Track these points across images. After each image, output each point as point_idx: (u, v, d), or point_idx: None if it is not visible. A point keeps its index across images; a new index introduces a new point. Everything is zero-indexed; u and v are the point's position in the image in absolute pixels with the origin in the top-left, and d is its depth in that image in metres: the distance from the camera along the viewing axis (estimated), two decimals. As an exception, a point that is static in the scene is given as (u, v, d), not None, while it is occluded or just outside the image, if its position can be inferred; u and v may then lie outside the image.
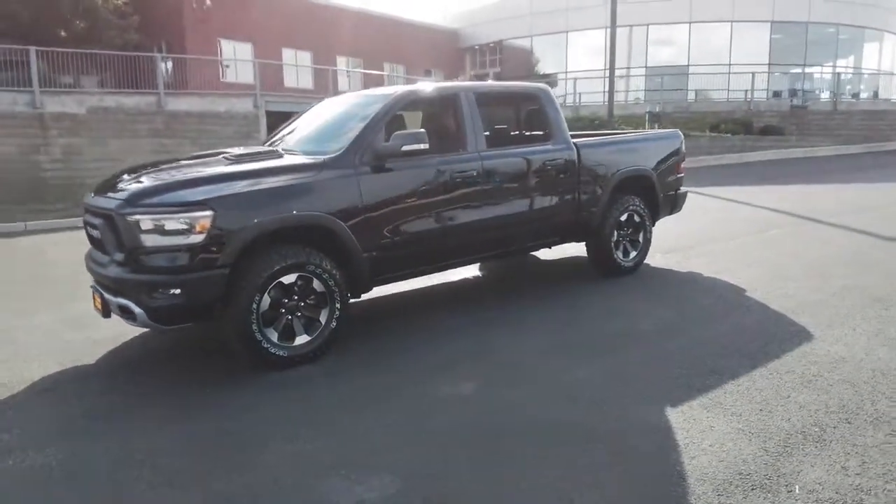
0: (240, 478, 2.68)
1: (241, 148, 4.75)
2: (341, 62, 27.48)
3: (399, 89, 4.74)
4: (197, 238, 3.48)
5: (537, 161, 5.17)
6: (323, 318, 3.94)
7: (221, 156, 4.35)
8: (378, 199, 4.17)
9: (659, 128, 16.39)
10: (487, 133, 5.19)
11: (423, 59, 31.43)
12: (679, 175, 6.39)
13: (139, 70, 16.10)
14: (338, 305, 3.96)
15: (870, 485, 2.46)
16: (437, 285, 5.83)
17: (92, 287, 4.02)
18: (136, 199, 3.58)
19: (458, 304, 5.25)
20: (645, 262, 6.18)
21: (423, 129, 4.40)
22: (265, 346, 3.70)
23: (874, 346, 3.90)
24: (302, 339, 3.88)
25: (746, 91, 23.47)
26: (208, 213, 3.49)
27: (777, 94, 25.98)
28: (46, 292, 6.08)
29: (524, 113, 5.89)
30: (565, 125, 5.48)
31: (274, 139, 5.16)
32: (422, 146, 4.20)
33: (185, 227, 3.47)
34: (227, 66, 23.14)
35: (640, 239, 5.99)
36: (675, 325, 4.47)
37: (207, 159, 4.41)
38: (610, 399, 3.30)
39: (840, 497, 2.38)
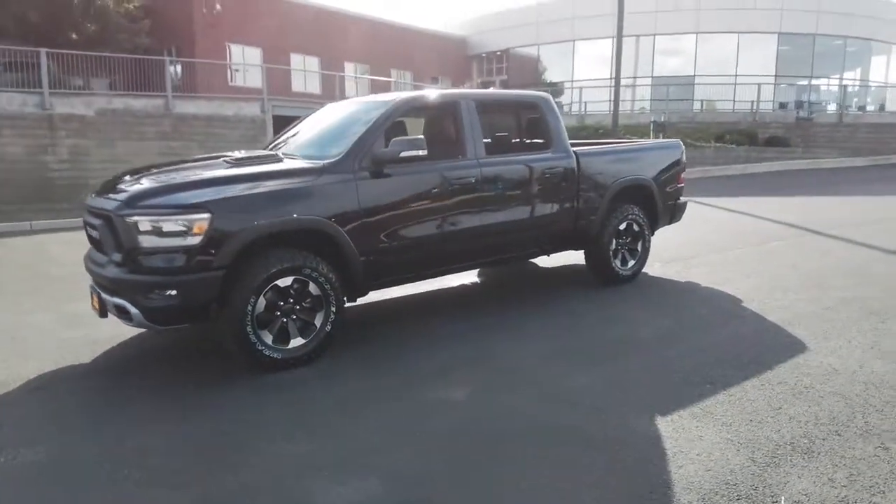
0: (233, 478, 2.70)
1: (242, 151, 4.79)
2: (349, 68, 27.64)
3: (399, 96, 4.78)
4: (194, 240, 3.52)
5: (537, 169, 5.19)
6: (318, 322, 3.97)
7: (221, 159, 4.40)
8: (376, 204, 4.20)
9: (663, 138, 16.41)
10: (488, 140, 5.22)
11: (430, 66, 31.58)
12: (679, 185, 6.39)
13: (148, 73, 16.25)
14: (333, 309, 3.98)
15: (856, 497, 2.46)
16: (436, 291, 5.85)
17: (90, 287, 4.06)
18: (134, 201, 3.62)
19: (458, 310, 5.26)
20: (645, 270, 6.19)
21: (421, 136, 4.44)
22: (259, 347, 3.72)
23: (868, 359, 3.89)
24: (297, 342, 3.90)
25: (752, 102, 23.47)
26: (206, 215, 3.53)
27: (783, 106, 25.94)
28: (47, 291, 6.14)
29: (525, 121, 5.91)
30: (565, 134, 5.50)
31: (276, 143, 5.21)
32: (420, 152, 4.23)
33: (182, 228, 3.51)
34: (237, 71, 23.33)
35: (639, 248, 6.00)
36: (673, 334, 4.48)
37: (207, 162, 4.46)
38: (608, 406, 3.30)
39: (825, 508, 2.38)
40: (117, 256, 3.66)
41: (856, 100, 28.56)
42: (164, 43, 22.29)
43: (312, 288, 3.91)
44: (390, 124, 4.50)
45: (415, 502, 2.50)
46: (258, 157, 4.44)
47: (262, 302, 3.73)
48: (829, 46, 29.14)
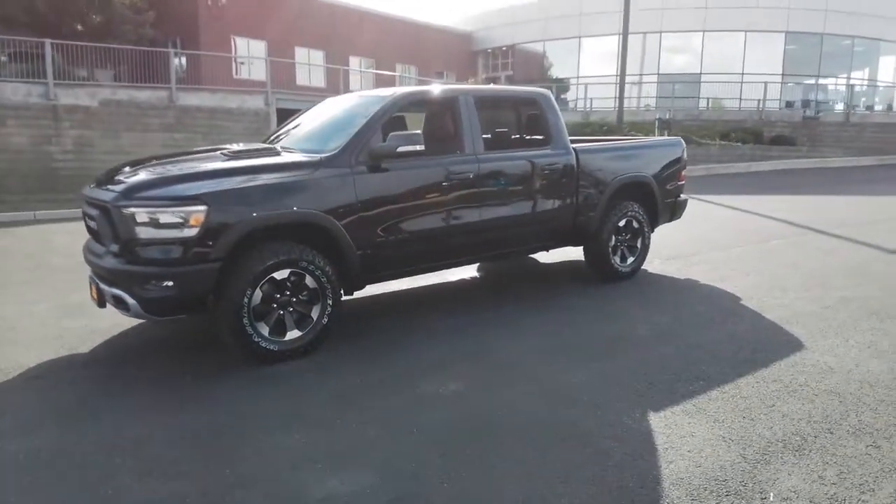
0: (229, 469, 2.71)
1: (240, 144, 4.81)
2: (354, 62, 27.61)
3: (398, 91, 4.78)
4: (191, 232, 3.54)
5: (536, 165, 5.19)
6: (315, 314, 3.98)
7: (219, 152, 4.41)
8: (373, 198, 4.21)
9: (668, 135, 16.36)
10: (487, 136, 5.21)
11: (435, 60, 31.51)
12: (680, 183, 6.38)
13: (153, 65, 16.28)
14: (330, 302, 4.00)
15: (845, 494, 2.46)
16: (435, 285, 5.86)
17: (90, 277, 4.08)
18: (132, 192, 3.64)
19: (456, 305, 5.27)
20: (645, 267, 6.18)
21: (418, 131, 4.44)
22: (255, 339, 3.74)
23: (865, 358, 3.88)
24: (293, 334, 3.92)
25: (759, 101, 23.35)
26: (202, 207, 3.54)
27: (790, 105, 25.82)
28: (49, 281, 6.17)
29: (524, 117, 5.91)
30: (565, 130, 5.49)
31: (275, 137, 5.22)
32: (417, 147, 4.23)
33: (179, 220, 3.53)
34: (242, 64, 23.32)
35: (638, 245, 5.99)
36: (670, 331, 4.47)
37: (206, 155, 4.47)
38: (604, 402, 3.30)
39: (814, 506, 2.39)
40: (115, 247, 3.69)
41: (863, 99, 28.37)
42: (169, 35, 22.29)
43: (309, 281, 3.92)
44: (388, 119, 4.50)
45: (410, 495, 2.51)
46: (256, 150, 4.46)
47: (258, 294, 3.75)
48: (836, 46, 28.93)
